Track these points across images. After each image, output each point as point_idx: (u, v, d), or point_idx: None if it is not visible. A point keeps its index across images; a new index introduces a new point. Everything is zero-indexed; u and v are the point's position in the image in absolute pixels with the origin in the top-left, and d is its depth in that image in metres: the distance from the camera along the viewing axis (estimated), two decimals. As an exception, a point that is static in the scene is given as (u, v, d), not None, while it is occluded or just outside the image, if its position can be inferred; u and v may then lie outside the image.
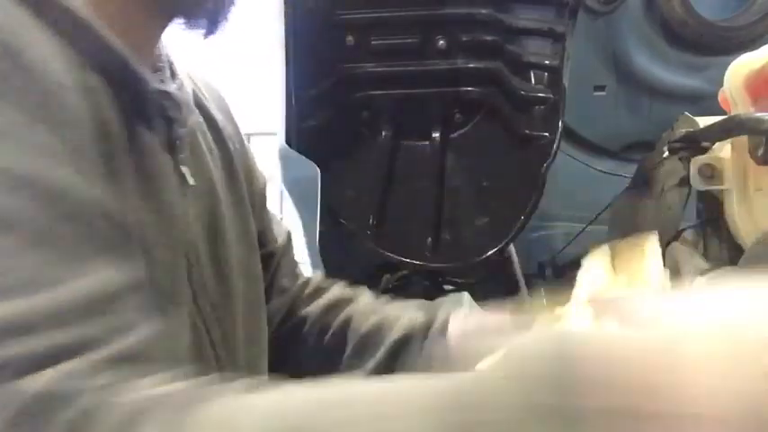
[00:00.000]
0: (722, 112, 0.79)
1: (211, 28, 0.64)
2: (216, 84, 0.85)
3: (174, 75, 0.66)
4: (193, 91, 0.73)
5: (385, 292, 1.72)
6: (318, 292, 0.90)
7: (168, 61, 0.67)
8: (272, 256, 0.86)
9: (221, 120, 0.77)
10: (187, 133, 0.66)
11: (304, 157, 1.42)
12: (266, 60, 1.58)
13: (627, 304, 0.40)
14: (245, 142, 0.85)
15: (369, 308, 0.86)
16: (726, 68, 0.76)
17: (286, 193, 1.61)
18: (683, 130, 0.86)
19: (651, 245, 0.68)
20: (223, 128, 0.77)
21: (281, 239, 0.89)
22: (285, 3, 1.43)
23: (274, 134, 1.52)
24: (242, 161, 0.79)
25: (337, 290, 0.91)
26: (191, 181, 0.64)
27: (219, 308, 0.67)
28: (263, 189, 0.86)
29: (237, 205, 0.74)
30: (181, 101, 0.64)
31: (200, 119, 0.73)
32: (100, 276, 0.44)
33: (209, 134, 0.73)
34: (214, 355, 0.65)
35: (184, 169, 0.63)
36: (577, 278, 0.72)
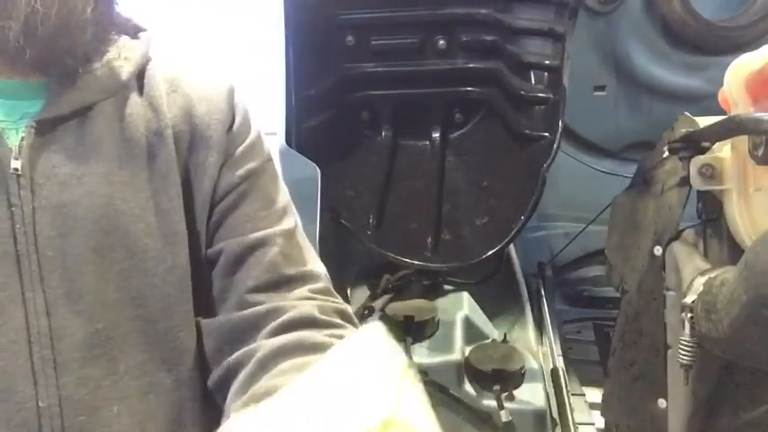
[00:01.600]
0: (722, 112, 0.79)
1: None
2: (204, 74, 0.80)
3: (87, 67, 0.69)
4: (141, 82, 0.74)
5: (385, 291, 1.73)
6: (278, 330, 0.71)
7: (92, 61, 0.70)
8: (219, 254, 0.75)
9: (178, 110, 0.75)
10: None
11: (304, 157, 1.42)
12: (266, 60, 1.58)
13: None
14: (235, 133, 0.78)
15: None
16: (726, 68, 0.76)
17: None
18: (683, 130, 0.86)
19: None
20: (167, 120, 0.74)
21: (242, 241, 0.75)
22: (285, 3, 1.43)
23: (274, 134, 1.52)
24: (205, 149, 0.75)
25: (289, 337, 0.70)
26: (17, 169, 0.65)
27: (59, 300, 0.66)
28: (231, 185, 0.76)
29: (152, 198, 0.71)
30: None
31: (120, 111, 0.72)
32: None
33: (134, 126, 0.72)
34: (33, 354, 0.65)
35: (17, 163, 0.65)
36: None
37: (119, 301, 0.69)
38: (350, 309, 0.77)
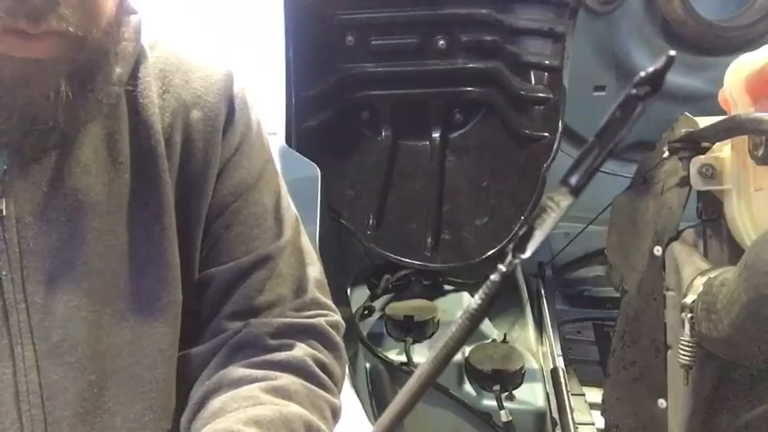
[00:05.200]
0: (722, 112, 0.79)
1: None
2: (199, 62, 0.71)
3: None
4: (134, 82, 0.66)
5: (385, 292, 1.73)
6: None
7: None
8: (212, 280, 0.70)
9: (172, 127, 0.67)
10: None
11: (304, 157, 1.42)
12: (266, 60, 1.58)
13: None
14: (229, 139, 0.70)
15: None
16: (726, 68, 0.76)
17: (286, 193, 1.61)
18: (683, 130, 0.86)
19: None
20: (162, 138, 0.66)
21: (233, 268, 0.69)
22: (285, 3, 1.43)
23: (274, 134, 1.52)
24: (196, 163, 0.68)
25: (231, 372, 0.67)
26: (1, 210, 0.59)
27: (50, 352, 0.60)
28: (235, 195, 0.70)
29: (144, 227, 0.65)
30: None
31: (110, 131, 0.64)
32: None
33: (123, 145, 0.64)
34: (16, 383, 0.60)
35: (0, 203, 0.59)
36: None
37: (113, 348, 0.63)
38: (322, 323, 0.72)
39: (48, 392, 0.60)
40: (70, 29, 0.53)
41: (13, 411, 0.59)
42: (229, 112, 0.70)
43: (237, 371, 0.66)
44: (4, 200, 0.58)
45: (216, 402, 0.63)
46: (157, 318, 0.65)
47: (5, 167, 0.59)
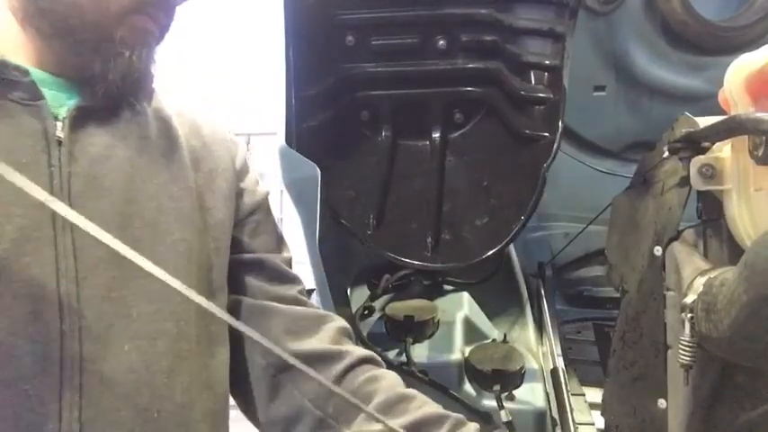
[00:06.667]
0: (722, 112, 0.79)
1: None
2: (203, 110, 1.01)
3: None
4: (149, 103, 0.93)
5: (385, 292, 1.73)
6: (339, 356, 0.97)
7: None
8: (257, 265, 1.01)
9: (189, 143, 0.95)
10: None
11: (304, 157, 1.42)
12: (267, 60, 1.58)
13: None
14: (241, 163, 1.02)
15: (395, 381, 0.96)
16: (726, 68, 0.76)
17: (286, 193, 1.61)
18: (683, 130, 0.86)
19: None
20: (181, 145, 0.94)
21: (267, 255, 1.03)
22: (285, 3, 1.43)
23: (274, 134, 1.52)
24: (214, 173, 0.97)
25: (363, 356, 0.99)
26: (60, 137, 0.80)
27: (85, 246, 0.78)
28: (256, 204, 1.02)
29: (165, 185, 0.89)
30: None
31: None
32: None
33: (149, 130, 0.91)
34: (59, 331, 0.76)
35: (61, 133, 0.80)
36: None
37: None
38: None
39: (82, 274, 0.78)
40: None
41: (53, 283, 0.76)
42: (237, 146, 1.02)
43: (360, 350, 0.98)
44: (64, 130, 0.80)
45: (387, 374, 0.96)
46: (169, 247, 0.86)
47: (65, 116, 0.81)
